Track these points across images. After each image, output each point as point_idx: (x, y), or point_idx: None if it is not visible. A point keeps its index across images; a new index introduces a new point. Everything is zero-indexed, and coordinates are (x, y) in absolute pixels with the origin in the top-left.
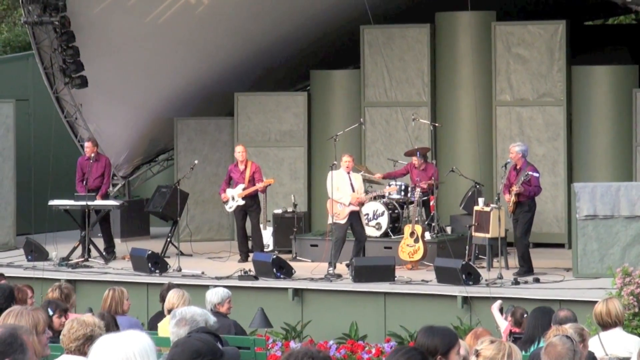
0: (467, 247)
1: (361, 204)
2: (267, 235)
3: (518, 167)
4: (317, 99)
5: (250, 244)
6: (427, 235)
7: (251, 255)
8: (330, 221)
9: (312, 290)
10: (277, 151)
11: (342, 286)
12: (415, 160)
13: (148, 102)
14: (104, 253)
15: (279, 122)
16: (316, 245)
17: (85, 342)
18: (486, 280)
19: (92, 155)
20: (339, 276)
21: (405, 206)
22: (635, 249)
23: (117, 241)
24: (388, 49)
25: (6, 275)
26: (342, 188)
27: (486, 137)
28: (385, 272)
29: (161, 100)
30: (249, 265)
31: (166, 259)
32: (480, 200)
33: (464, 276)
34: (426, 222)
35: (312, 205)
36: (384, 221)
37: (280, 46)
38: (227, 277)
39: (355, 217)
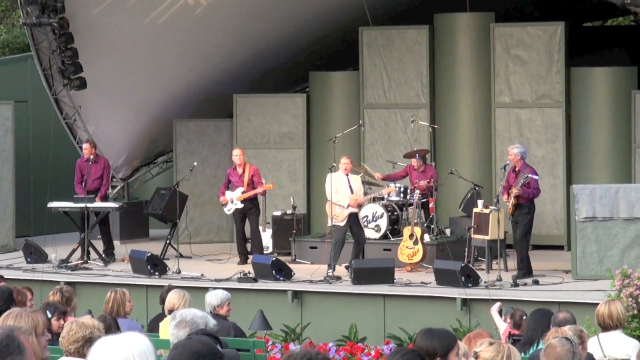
0: (466, 249)
1: (360, 206)
2: (267, 238)
3: (517, 169)
4: (316, 100)
5: (249, 246)
6: (427, 238)
7: (250, 257)
8: (329, 223)
9: (311, 292)
10: (276, 153)
11: (342, 288)
12: (414, 162)
13: (147, 103)
14: (103, 255)
15: (278, 124)
16: (315, 247)
17: (85, 344)
18: (485, 282)
19: (91, 157)
20: (338, 278)
21: (404, 208)
22: (634, 251)
23: (117, 243)
24: (387, 51)
25: (5, 277)
26: (341, 190)
27: (485, 139)
28: (385, 274)
29: (160, 102)
30: (248, 268)
31: (165, 261)
32: (480, 202)
33: (463, 278)
34: (425, 224)
35: (311, 207)
36: (383, 223)
37: (279, 48)
38: (227, 279)
39: (353, 219)
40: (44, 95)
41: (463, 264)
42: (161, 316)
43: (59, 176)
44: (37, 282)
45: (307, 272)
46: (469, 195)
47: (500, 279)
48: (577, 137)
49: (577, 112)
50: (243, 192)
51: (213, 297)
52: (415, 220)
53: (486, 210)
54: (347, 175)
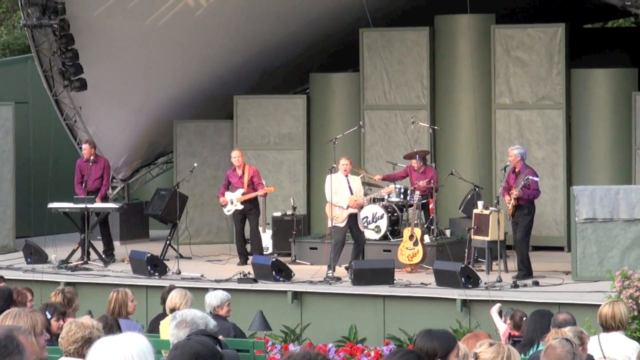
0: (466, 250)
1: (360, 207)
2: (267, 238)
3: (517, 170)
4: (317, 102)
5: (249, 247)
6: (427, 238)
7: (250, 258)
8: (329, 224)
9: (311, 293)
10: (277, 154)
11: (342, 289)
12: (414, 163)
13: (147, 104)
14: (103, 256)
15: (278, 125)
16: (315, 248)
17: (84, 344)
18: (485, 283)
19: (91, 157)
20: (338, 279)
21: (404, 209)
22: (634, 252)
23: (117, 244)
24: (387, 52)
25: (5, 277)
26: (340, 191)
27: (485, 140)
28: (385, 275)
29: (160, 103)
30: (248, 268)
31: (165, 262)
32: (480, 204)
33: (463, 279)
34: (425, 225)
35: (311, 208)
36: (383, 224)
37: (279, 49)
38: (227, 280)
39: (353, 220)
40: (45, 97)
41: (463, 265)
42: (162, 316)
43: (59, 177)
44: (37, 282)
45: (307, 273)
46: (469, 196)
47: (500, 280)
48: (578, 138)
49: (577, 113)
50: (243, 194)
51: (213, 298)
52: (416, 221)
53: (486, 211)
54: (346, 176)
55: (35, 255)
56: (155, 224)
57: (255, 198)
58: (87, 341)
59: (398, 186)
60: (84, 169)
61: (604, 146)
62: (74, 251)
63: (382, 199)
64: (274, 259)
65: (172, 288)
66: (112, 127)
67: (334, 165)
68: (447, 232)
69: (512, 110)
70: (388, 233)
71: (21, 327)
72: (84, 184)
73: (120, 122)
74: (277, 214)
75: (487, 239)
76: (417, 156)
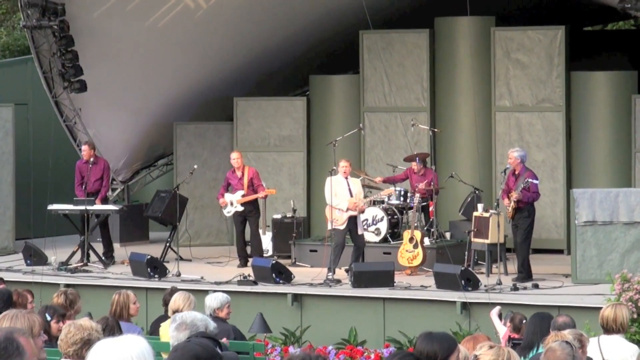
0: (466, 252)
1: (360, 212)
2: (267, 241)
3: (517, 172)
4: (317, 104)
5: (249, 249)
6: (426, 241)
7: (250, 260)
8: (329, 227)
9: (311, 295)
10: (277, 156)
11: (342, 291)
12: (414, 165)
13: (147, 106)
14: (103, 258)
15: (278, 127)
16: (315, 251)
17: (83, 346)
18: (485, 285)
19: (91, 158)
20: (338, 281)
21: (404, 212)
22: (634, 255)
23: (116, 246)
24: (387, 54)
25: (5, 279)
26: (340, 194)
27: (485, 142)
28: (385, 278)
29: (160, 105)
30: (248, 271)
31: (165, 264)
32: (480, 206)
33: (463, 282)
34: (425, 228)
35: (311, 210)
36: (383, 227)
37: (279, 51)
38: (227, 282)
39: (353, 223)
40: (44, 98)
41: (463, 268)
42: (163, 318)
43: (59, 178)
44: (36, 284)
45: (307, 275)
46: (469, 198)
47: (500, 283)
48: (577, 141)
49: (577, 116)
50: (243, 195)
51: (213, 300)
52: (415, 224)
53: (486, 214)
54: (346, 178)
55: (35, 257)
56: (155, 226)
57: (256, 200)
58: (86, 343)
59: (398, 189)
60: (83, 171)
61: (604, 149)
62: (73, 253)
63: (382, 202)
64: (273, 261)
65: (173, 290)
66: (112, 129)
67: (334, 167)
68: (447, 235)
69: (512, 113)
70: (388, 235)
71: (21, 329)
72: (83, 186)
73: (120, 123)
74: (277, 216)
75: (487, 241)
76: (417, 159)
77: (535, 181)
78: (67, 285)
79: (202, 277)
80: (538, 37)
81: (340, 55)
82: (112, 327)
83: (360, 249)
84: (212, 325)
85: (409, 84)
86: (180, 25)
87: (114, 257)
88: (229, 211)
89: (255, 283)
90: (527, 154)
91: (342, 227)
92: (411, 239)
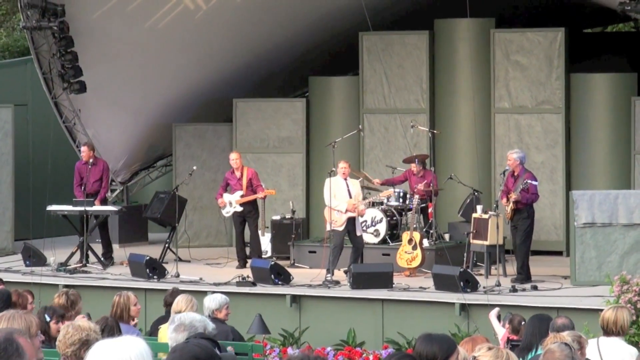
0: (465, 254)
1: (360, 215)
2: (265, 242)
3: (516, 174)
4: (316, 105)
5: (248, 250)
6: (425, 242)
7: (249, 261)
8: (327, 228)
9: (310, 296)
10: (276, 157)
11: (340, 293)
12: (413, 167)
13: (146, 107)
14: (102, 258)
15: (277, 128)
16: (314, 252)
17: (81, 346)
18: (484, 287)
19: (90, 159)
20: (337, 283)
21: (403, 213)
22: (633, 257)
23: (115, 247)
24: (387, 56)
25: (4, 280)
26: (339, 195)
27: (485, 144)
28: (383, 279)
29: (159, 106)
30: (247, 272)
31: (164, 265)
32: (479, 208)
33: (462, 283)
34: (424, 229)
35: (310, 211)
36: (382, 228)
37: (279, 52)
38: (225, 283)
39: (352, 224)
40: (44, 99)
41: (462, 269)
42: (164, 318)
43: (59, 179)
44: (35, 285)
45: (305, 277)
46: (468, 200)
47: (499, 284)
48: (577, 143)
49: (576, 118)
50: (242, 196)
51: (212, 301)
52: (414, 225)
53: (485, 216)
54: (345, 179)
55: (34, 258)
56: (154, 226)
57: (255, 200)
58: (85, 343)
59: (397, 190)
60: (83, 172)
61: (603, 151)
62: (72, 254)
63: (381, 203)
64: (272, 263)
65: (175, 291)
66: (111, 130)
67: (333, 168)
68: (446, 236)
69: (511, 115)
70: (387, 237)
71: (21, 330)
72: (83, 187)
73: (119, 124)
74: (276, 217)
75: (486, 243)
76: (417, 160)
77: (534, 182)
78: (66, 286)
79: (201, 278)
80: (538, 39)
81: (340, 56)
82: (111, 327)
83: (359, 250)
84: (210, 326)
85: (408, 85)
86: (180, 27)
87: (113, 258)
88: (227, 211)
89: (254, 284)
90: (526, 156)
91: (341, 229)
92: (410, 241)
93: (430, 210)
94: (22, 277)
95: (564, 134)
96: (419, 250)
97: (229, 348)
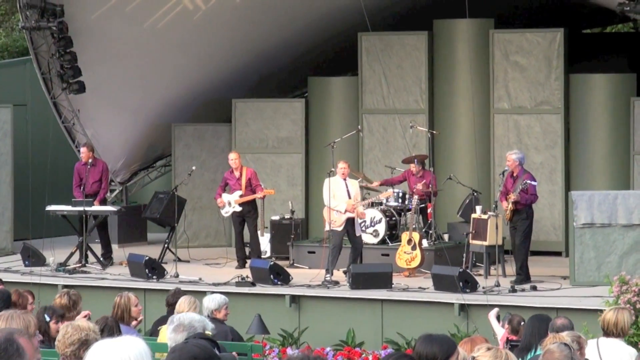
0: (464, 254)
1: (361, 218)
2: (265, 242)
3: (515, 174)
4: (315, 105)
5: (247, 250)
6: (425, 243)
7: (248, 261)
8: (326, 228)
9: (309, 296)
10: (275, 158)
11: (340, 293)
12: (413, 167)
13: (145, 107)
14: (101, 259)
15: (276, 128)
16: (313, 252)
17: (81, 346)
18: (483, 287)
19: (89, 160)
20: (336, 283)
21: (402, 213)
22: (632, 257)
23: (115, 247)
24: (386, 56)
25: (3, 280)
26: (338, 195)
27: (484, 144)
28: (383, 279)
29: (159, 106)
30: (246, 272)
31: (163, 265)
32: (478, 208)
33: (461, 284)
34: (424, 230)
35: (309, 212)
36: (382, 228)
37: (278, 52)
38: (225, 284)
39: (351, 224)
40: (43, 99)
41: (461, 270)
42: (166, 319)
43: (58, 179)
44: (35, 285)
45: (305, 277)
46: (468, 200)
47: (498, 285)
48: (576, 143)
49: (575, 118)
50: (241, 196)
51: (211, 301)
52: (414, 226)
53: (484, 216)
54: (344, 180)
55: (33, 258)
56: (154, 227)
57: (254, 200)
58: (84, 343)
59: (396, 190)
60: (82, 173)
61: (603, 151)
62: (72, 254)
63: (380, 203)
64: (272, 263)
65: (177, 291)
66: (110, 130)
67: (332, 169)
68: (445, 237)
69: (510, 115)
70: (386, 237)
71: (22, 330)
72: (82, 188)
73: (118, 124)
74: (276, 217)
75: (485, 243)
76: (416, 160)
77: (533, 183)
78: (66, 286)
79: (200, 279)
80: (537, 39)
81: (339, 57)
82: (111, 327)
83: (358, 251)
84: (209, 326)
85: (407, 86)
86: (179, 27)
87: (112, 258)
88: (226, 211)
89: (253, 284)
90: (525, 156)
91: (340, 229)
92: (409, 241)
93: (429, 210)
94: (21, 277)
95: (563, 134)
96: (418, 251)
97: (234, 353)
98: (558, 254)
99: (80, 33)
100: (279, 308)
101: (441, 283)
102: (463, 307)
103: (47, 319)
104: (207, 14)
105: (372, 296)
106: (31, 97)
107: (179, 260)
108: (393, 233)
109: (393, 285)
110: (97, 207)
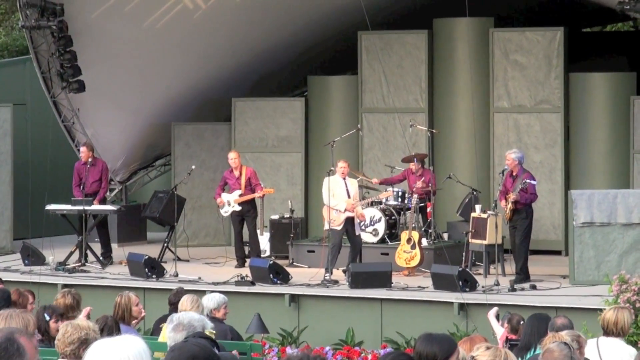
0: (463, 253)
1: (360, 218)
2: (264, 241)
3: (514, 173)
4: (315, 104)
5: (247, 249)
6: (424, 242)
7: (248, 260)
8: (325, 227)
9: (308, 296)
10: (275, 157)
11: (339, 292)
12: (412, 166)
13: (145, 107)
14: (100, 258)
15: (276, 127)
16: (313, 251)
17: (80, 345)
18: (483, 286)
19: (89, 160)
20: (335, 282)
21: (402, 212)
22: (632, 257)
23: (114, 246)
24: (386, 55)
25: (3, 279)
26: (338, 194)
27: (483, 143)
28: (382, 279)
29: (158, 105)
30: (245, 271)
31: (163, 264)
32: (477, 207)
33: (460, 283)
34: (423, 229)
35: (309, 211)
36: (381, 227)
37: (277, 51)
38: (224, 283)
39: (350, 224)
40: (43, 98)
41: (460, 269)
42: (167, 318)
43: (57, 179)
44: (34, 284)
45: (304, 276)
46: (467, 199)
47: (497, 284)
48: (576, 142)
49: (575, 117)
50: (241, 195)
51: (210, 301)
52: (413, 225)
53: (484, 215)
54: (344, 179)
55: (33, 257)
56: (153, 226)
57: (253, 200)
58: (84, 342)
59: (396, 189)
60: (82, 172)
61: (602, 150)
62: (71, 253)
63: (380, 202)
64: (271, 262)
65: (180, 291)
66: (110, 129)
67: (332, 168)
68: (445, 236)
69: (510, 114)
70: (386, 236)
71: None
72: (81, 187)
73: (118, 124)
74: (275, 216)
75: (484, 242)
76: (415, 159)
77: (533, 182)
78: (65, 286)
79: (199, 278)
80: (537, 38)
81: (339, 56)
82: (111, 326)
83: (357, 250)
84: (209, 325)
85: (407, 84)
86: (179, 26)
87: (112, 257)
88: (226, 211)
89: (252, 283)
90: (524, 156)
91: (339, 228)
92: (409, 240)
93: (429, 209)
94: (21, 277)
95: (562, 133)
96: (417, 250)
97: (234, 351)
98: (558, 253)
99: (80, 32)
100: (278, 307)
101: (441, 282)
102: (462, 306)
103: (47, 318)
104: (207, 13)
105: (371, 295)
106: (31, 96)
107: (179, 259)
108: (392, 232)
109: (392, 285)
110: (96, 207)
